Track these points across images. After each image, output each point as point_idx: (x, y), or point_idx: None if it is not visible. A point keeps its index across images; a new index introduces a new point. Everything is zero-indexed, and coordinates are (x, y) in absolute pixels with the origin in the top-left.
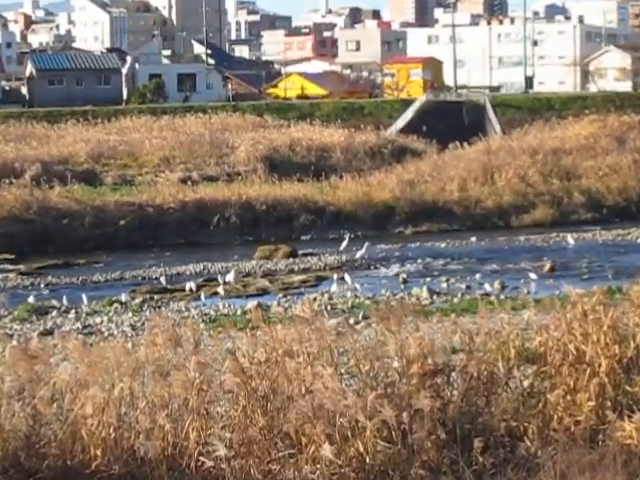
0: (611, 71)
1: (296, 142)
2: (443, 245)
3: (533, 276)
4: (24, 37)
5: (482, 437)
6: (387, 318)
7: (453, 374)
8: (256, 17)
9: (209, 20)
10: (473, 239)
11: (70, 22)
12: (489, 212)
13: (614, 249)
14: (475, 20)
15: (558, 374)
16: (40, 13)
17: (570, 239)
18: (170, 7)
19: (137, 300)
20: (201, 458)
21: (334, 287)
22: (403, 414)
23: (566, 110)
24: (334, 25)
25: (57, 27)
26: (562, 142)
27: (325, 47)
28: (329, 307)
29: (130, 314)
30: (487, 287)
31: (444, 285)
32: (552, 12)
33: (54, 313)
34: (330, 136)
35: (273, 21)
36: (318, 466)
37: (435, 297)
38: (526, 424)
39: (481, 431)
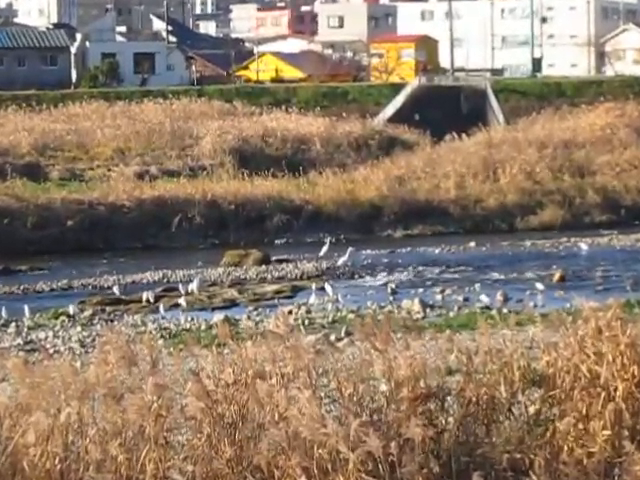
0: (630, 52)
1: (270, 132)
2: (437, 251)
3: (540, 287)
4: None
5: (482, 471)
6: (373, 334)
7: (448, 399)
8: None
9: None
10: (472, 244)
11: None
12: (490, 213)
13: (633, 256)
14: None
15: (568, 399)
16: None
17: (583, 244)
18: None
19: (86, 312)
20: None
21: (313, 299)
22: (391, 444)
23: (579, 97)
24: None
25: None
26: (574, 133)
27: (303, 23)
28: (307, 322)
29: (79, 328)
30: (485, 299)
31: (439, 297)
32: None
33: None
34: (309, 125)
35: None
36: None
37: (428, 310)
38: (532, 456)
39: (480, 464)
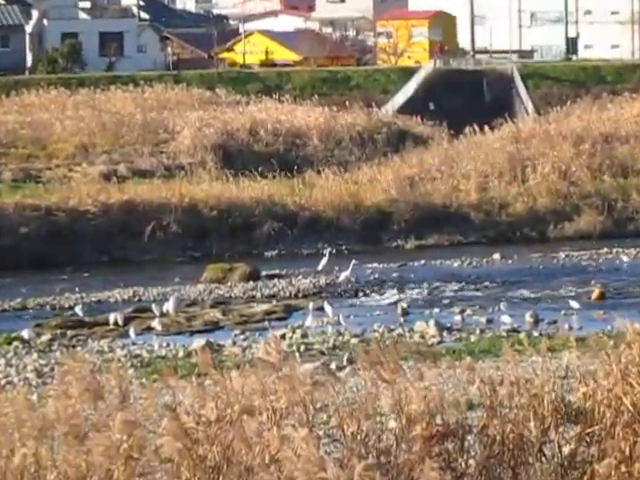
0: None
1: (259, 125)
2: (456, 264)
3: (576, 306)
4: None
5: None
6: (379, 363)
7: (469, 437)
8: None
9: None
10: (496, 256)
11: None
12: (518, 220)
13: None
14: None
15: (609, 437)
16: None
17: (624, 256)
18: None
19: (44, 337)
20: None
21: (309, 320)
22: None
23: (621, 83)
24: None
25: None
26: (616, 126)
27: None
28: (303, 348)
29: (35, 356)
30: (507, 320)
31: (457, 318)
32: None
33: None
34: (304, 117)
35: None
36: None
37: (445, 334)
38: None
39: None
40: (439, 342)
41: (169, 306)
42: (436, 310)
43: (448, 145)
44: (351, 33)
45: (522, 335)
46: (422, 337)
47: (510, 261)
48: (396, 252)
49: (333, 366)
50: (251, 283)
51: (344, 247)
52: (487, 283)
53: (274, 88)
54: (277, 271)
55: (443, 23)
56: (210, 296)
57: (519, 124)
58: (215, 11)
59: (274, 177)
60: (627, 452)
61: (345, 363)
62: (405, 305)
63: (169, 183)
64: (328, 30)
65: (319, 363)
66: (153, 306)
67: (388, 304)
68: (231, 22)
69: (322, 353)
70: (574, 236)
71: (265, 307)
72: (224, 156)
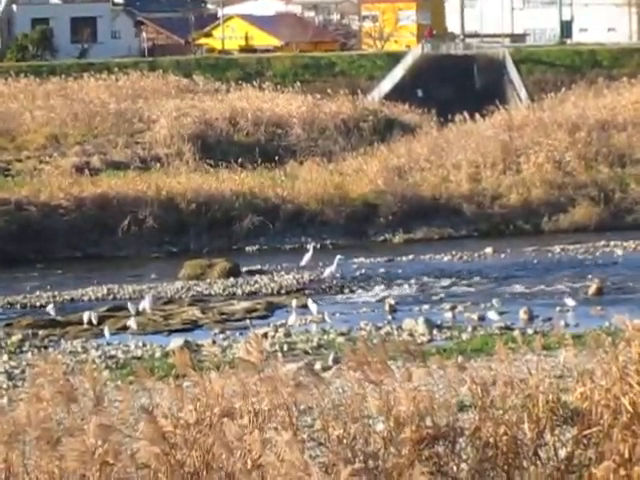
0: None
1: (238, 114)
2: (447, 258)
3: (571, 303)
4: None
5: None
6: (366, 363)
7: (461, 440)
8: None
9: None
10: (489, 250)
11: None
12: (511, 212)
13: None
14: None
15: (607, 439)
16: None
17: (618, 250)
18: None
19: (15, 337)
20: None
21: (293, 319)
22: None
23: (618, 68)
24: None
25: None
26: (613, 113)
27: None
28: (286, 347)
29: (5, 357)
30: (494, 317)
31: (448, 315)
32: None
33: None
34: (286, 105)
35: None
36: None
37: (435, 332)
38: None
39: None
40: (429, 340)
41: (145, 304)
42: (425, 307)
43: (437, 134)
44: (335, 17)
45: (516, 333)
46: (411, 335)
47: (503, 255)
48: (383, 246)
49: (318, 366)
50: (231, 280)
51: (328, 241)
52: (479, 278)
53: (254, 75)
54: (258, 267)
55: (431, 6)
56: (188, 293)
57: (512, 111)
58: None
59: (255, 168)
60: (626, 454)
61: (330, 363)
62: (393, 302)
63: (145, 175)
64: (310, 14)
65: (303, 363)
66: (129, 304)
67: (375, 301)
68: (209, 6)
69: (306, 353)
70: (570, 229)
71: (246, 305)
72: (202, 147)
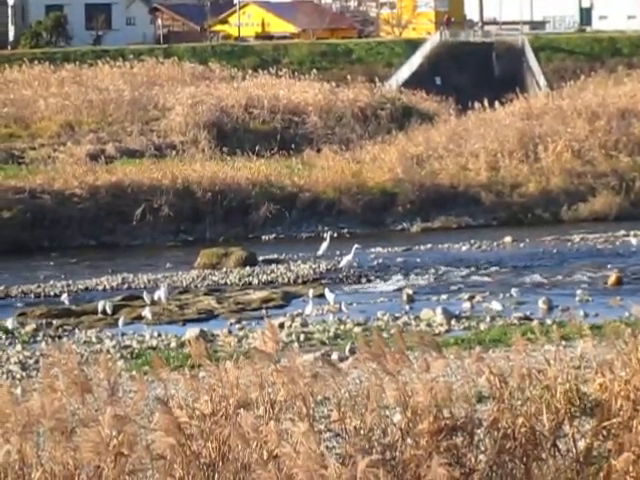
0: None
1: (255, 101)
2: (465, 248)
3: (582, 296)
4: None
5: None
6: (382, 354)
7: (479, 432)
8: None
9: None
10: (507, 239)
11: None
12: (530, 201)
13: None
14: None
15: (627, 430)
16: None
17: (633, 240)
18: None
19: (28, 327)
20: None
21: (309, 308)
22: None
23: (638, 55)
24: None
25: None
26: (633, 101)
27: None
28: (302, 337)
29: (19, 347)
30: (497, 306)
31: (466, 305)
32: None
33: None
34: (303, 92)
35: None
36: None
37: (453, 322)
38: None
39: None
40: (447, 331)
41: (160, 294)
42: (443, 297)
43: (456, 122)
44: (352, 3)
45: (534, 323)
46: (429, 325)
47: (522, 244)
48: (401, 235)
49: (335, 357)
50: (247, 269)
51: (346, 230)
52: (497, 268)
53: (271, 62)
54: (275, 256)
55: None
56: (204, 283)
57: (530, 99)
58: None
59: (271, 156)
60: None
61: (347, 353)
62: (411, 292)
63: (160, 163)
64: (328, 0)
65: (319, 354)
66: (143, 294)
67: (393, 290)
68: None
69: (323, 343)
70: (589, 218)
71: (262, 294)
72: (218, 134)
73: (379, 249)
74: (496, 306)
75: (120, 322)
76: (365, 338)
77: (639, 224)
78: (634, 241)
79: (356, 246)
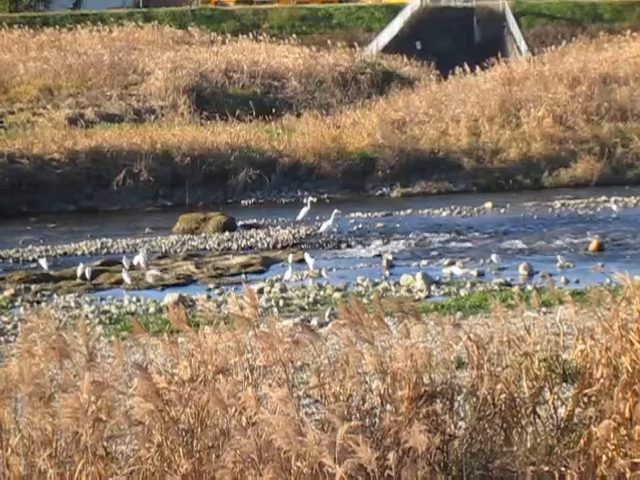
0: None
1: (234, 66)
2: (445, 214)
3: (567, 259)
4: None
5: None
6: (359, 321)
7: (459, 398)
8: None
9: None
10: (488, 205)
11: None
12: (511, 166)
13: None
14: None
15: (607, 398)
16: None
17: (613, 206)
18: None
19: (6, 292)
20: None
21: (289, 274)
22: (388, 455)
23: (620, 21)
24: None
25: None
26: (614, 67)
27: None
28: (282, 302)
29: None
30: (457, 271)
31: (446, 271)
32: None
33: None
34: (283, 57)
35: None
36: None
37: (433, 288)
38: (563, 469)
39: (499, 479)
40: (427, 297)
41: (139, 258)
42: (423, 262)
43: (436, 87)
44: None
45: (515, 289)
46: (409, 291)
47: (503, 210)
48: (381, 201)
49: (314, 322)
50: (227, 234)
51: (325, 195)
52: (478, 234)
53: (250, 27)
54: (254, 221)
55: None
56: (183, 248)
57: (512, 64)
58: None
59: (251, 121)
60: (626, 414)
61: (327, 319)
62: (390, 257)
63: (139, 128)
64: None
65: (299, 319)
66: (122, 259)
67: (372, 256)
68: None
69: (302, 309)
70: (570, 183)
71: (241, 259)
72: (197, 99)
73: (359, 214)
74: (456, 271)
75: (99, 287)
76: (345, 304)
77: (620, 190)
78: (614, 207)
79: (336, 211)
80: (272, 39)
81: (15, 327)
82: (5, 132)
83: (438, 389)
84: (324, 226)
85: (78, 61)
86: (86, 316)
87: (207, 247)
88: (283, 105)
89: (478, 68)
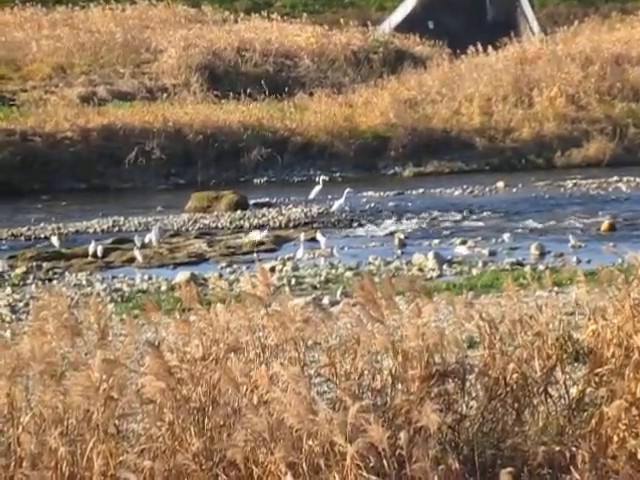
0: None
1: (247, 44)
2: (457, 193)
3: (579, 239)
4: None
5: (511, 467)
6: (372, 300)
7: (470, 378)
8: None
9: None
10: (500, 184)
11: None
12: (523, 146)
13: None
14: None
15: (619, 378)
16: None
17: (623, 186)
18: None
19: (18, 270)
20: None
21: (301, 252)
22: (399, 435)
23: (633, 1)
24: None
25: None
26: (627, 47)
27: None
28: (294, 281)
29: (8, 290)
30: (463, 251)
31: (459, 250)
32: None
33: None
34: (295, 36)
35: None
36: None
37: (445, 267)
38: (574, 448)
39: (510, 458)
40: (439, 276)
41: (151, 237)
42: (435, 242)
43: (449, 66)
44: None
45: (527, 269)
46: (421, 270)
47: (515, 190)
48: (393, 180)
49: (326, 301)
50: (239, 212)
51: (338, 174)
52: (490, 213)
53: (263, 5)
54: (266, 200)
55: None
56: (195, 226)
57: (524, 44)
58: None
59: (263, 100)
60: (638, 393)
61: (339, 298)
62: (402, 236)
63: (151, 106)
64: None
65: (311, 298)
66: (134, 237)
67: (384, 235)
68: None
69: (314, 287)
70: (582, 163)
71: (254, 238)
72: (210, 77)
73: (371, 193)
74: (463, 251)
75: (111, 265)
76: (358, 282)
77: (632, 170)
78: (624, 187)
79: (348, 190)
80: (284, 18)
81: (27, 305)
82: (18, 110)
83: (450, 368)
84: (336, 205)
85: (91, 39)
86: (98, 294)
87: (219, 226)
88: (295, 84)
89: (490, 48)
